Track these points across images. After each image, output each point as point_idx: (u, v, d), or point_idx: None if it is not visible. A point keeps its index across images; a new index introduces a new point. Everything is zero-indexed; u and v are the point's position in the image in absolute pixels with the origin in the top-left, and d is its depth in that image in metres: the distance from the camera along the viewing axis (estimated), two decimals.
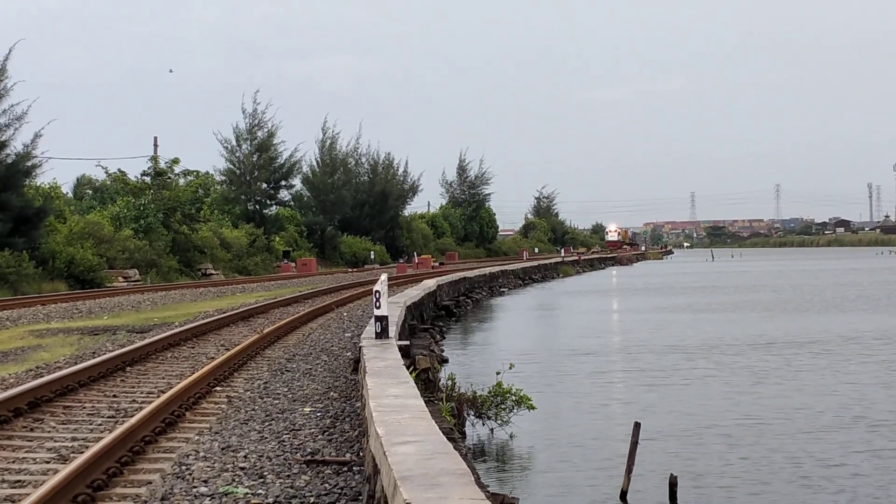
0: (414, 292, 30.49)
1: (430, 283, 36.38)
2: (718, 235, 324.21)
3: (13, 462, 9.32)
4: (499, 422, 15.26)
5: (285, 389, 13.81)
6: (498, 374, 15.79)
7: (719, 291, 57.23)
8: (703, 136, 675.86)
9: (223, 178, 73.63)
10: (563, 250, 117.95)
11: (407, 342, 16.61)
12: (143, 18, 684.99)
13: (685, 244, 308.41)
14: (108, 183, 63.37)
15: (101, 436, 10.13)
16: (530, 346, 28.64)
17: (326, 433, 10.70)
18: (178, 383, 13.19)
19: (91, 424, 11.08)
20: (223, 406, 12.43)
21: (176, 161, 59.40)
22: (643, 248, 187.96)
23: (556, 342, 30.32)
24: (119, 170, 58.83)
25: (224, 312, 25.86)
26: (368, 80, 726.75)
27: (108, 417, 11.48)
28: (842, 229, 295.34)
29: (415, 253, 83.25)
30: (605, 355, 26.25)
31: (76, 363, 15.69)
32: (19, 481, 8.57)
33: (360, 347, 13.62)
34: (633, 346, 28.09)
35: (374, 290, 14.08)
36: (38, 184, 49.81)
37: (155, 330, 22.06)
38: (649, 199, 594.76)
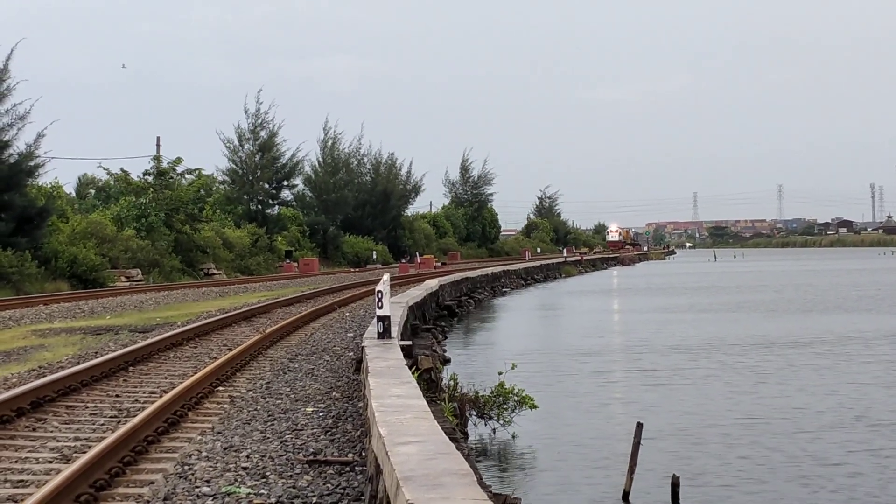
0: (416, 292, 30.49)
1: (432, 283, 36.38)
2: (721, 236, 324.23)
3: (16, 462, 9.33)
4: (501, 422, 15.26)
5: (287, 389, 13.82)
6: (500, 374, 15.78)
7: (721, 292, 57.21)
8: (705, 136, 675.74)
9: (226, 177, 73.70)
10: (565, 250, 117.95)
11: (409, 342, 16.63)
12: (145, 17, 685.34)
13: (688, 244, 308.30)
14: (112, 183, 63.41)
15: (104, 435, 10.14)
16: (532, 346, 28.64)
17: (329, 433, 10.71)
18: (181, 383, 13.20)
19: (94, 424, 11.09)
20: (226, 406, 12.44)
21: (178, 161, 59.46)
22: (645, 249, 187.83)
23: (558, 342, 30.32)
24: (122, 169, 58.92)
25: (226, 312, 25.88)
26: (370, 79, 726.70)
27: (111, 417, 11.49)
28: (844, 230, 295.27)
29: (417, 253, 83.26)
30: (607, 355, 26.25)
31: (79, 363, 15.71)
32: (22, 481, 8.58)
33: (363, 347, 13.63)
34: (635, 346, 28.09)
35: (376, 290, 14.08)
36: (41, 184, 49.90)
37: (157, 330, 22.08)
38: (652, 200, 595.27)
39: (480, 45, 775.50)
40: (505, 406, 15.35)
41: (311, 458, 9.46)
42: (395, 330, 15.21)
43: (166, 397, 11.57)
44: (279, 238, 71.43)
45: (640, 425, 12.36)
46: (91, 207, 61.06)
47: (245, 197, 73.21)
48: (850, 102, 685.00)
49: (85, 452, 9.12)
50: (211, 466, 9.10)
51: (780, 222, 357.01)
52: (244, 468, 9.07)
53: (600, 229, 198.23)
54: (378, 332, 14.15)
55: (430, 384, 15.00)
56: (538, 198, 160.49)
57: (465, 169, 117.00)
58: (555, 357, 25.81)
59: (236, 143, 73.73)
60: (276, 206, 76.71)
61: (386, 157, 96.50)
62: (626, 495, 11.79)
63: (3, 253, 39.00)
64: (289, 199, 79.74)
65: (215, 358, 16.62)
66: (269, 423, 11.23)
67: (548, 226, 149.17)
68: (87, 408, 12.16)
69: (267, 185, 74.16)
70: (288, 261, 67.61)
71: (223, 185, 73.23)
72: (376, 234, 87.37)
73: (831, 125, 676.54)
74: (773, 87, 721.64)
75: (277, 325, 22.21)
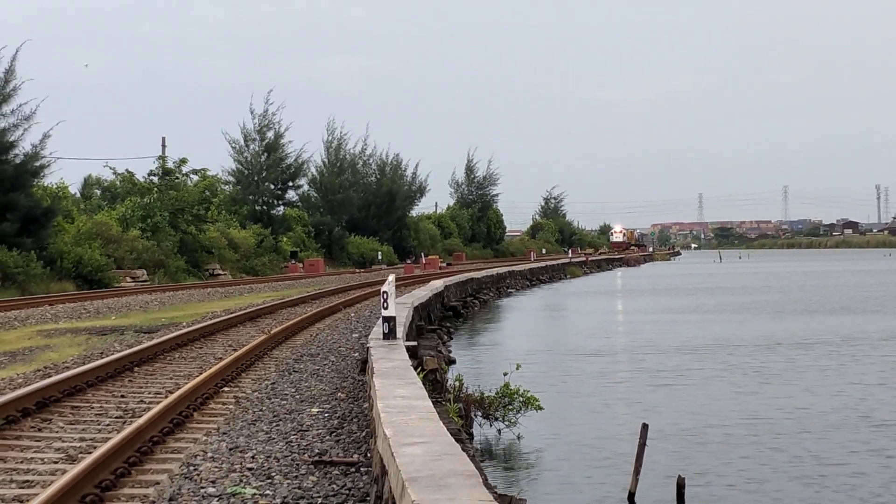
0: (421, 293, 30.49)
1: (437, 284, 36.38)
2: (726, 237, 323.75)
3: (21, 462, 9.34)
4: (506, 423, 15.24)
5: (293, 390, 13.82)
6: (505, 374, 15.78)
7: (727, 293, 57.14)
8: (710, 137, 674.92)
9: (231, 178, 73.79)
10: (570, 251, 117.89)
11: (414, 343, 16.60)
12: (149, 17, 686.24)
13: (693, 245, 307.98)
14: (118, 183, 63.51)
15: (109, 436, 10.15)
16: (538, 347, 28.62)
17: (334, 434, 10.70)
18: (186, 384, 13.20)
19: (99, 424, 11.10)
20: (231, 406, 12.44)
21: (184, 161, 59.57)
22: (650, 250, 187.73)
23: (563, 343, 30.29)
24: (127, 170, 59.05)
25: (232, 313, 25.89)
26: (373, 80, 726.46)
27: (116, 418, 11.50)
28: (850, 231, 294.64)
29: (422, 253, 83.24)
30: (612, 356, 26.23)
31: (84, 363, 15.72)
32: (28, 481, 8.58)
33: (368, 348, 13.63)
34: (640, 346, 28.06)
35: (381, 290, 14.08)
36: (47, 184, 49.96)
37: (163, 330, 22.10)
38: (657, 200, 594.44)
39: (485, 46, 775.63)
40: (510, 407, 15.33)
41: (316, 458, 9.45)
42: (401, 331, 15.20)
43: (172, 398, 11.58)
44: (284, 239, 71.49)
45: (645, 426, 12.34)
46: (96, 208, 61.15)
47: (250, 197, 73.28)
48: (856, 103, 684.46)
49: (90, 453, 9.12)
50: (216, 467, 9.10)
51: (785, 223, 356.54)
52: (249, 469, 9.07)
53: (605, 230, 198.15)
54: (383, 333, 14.15)
55: (435, 385, 14.99)
56: (544, 198, 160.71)
57: (470, 169, 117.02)
58: (560, 358, 25.79)
59: (242, 143, 73.89)
60: (282, 207, 76.80)
61: (391, 157, 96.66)
62: (631, 496, 11.77)
63: (9, 253, 39.07)
64: (294, 199, 79.86)
65: (221, 358, 16.63)
66: (274, 424, 11.23)
67: (553, 226, 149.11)
68: (92, 408, 12.17)
69: (272, 186, 74.23)
70: (293, 261, 67.67)
71: (228, 186, 73.32)
72: (381, 235, 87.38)
73: (837, 126, 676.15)
74: (779, 87, 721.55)
75: (283, 325, 22.22)
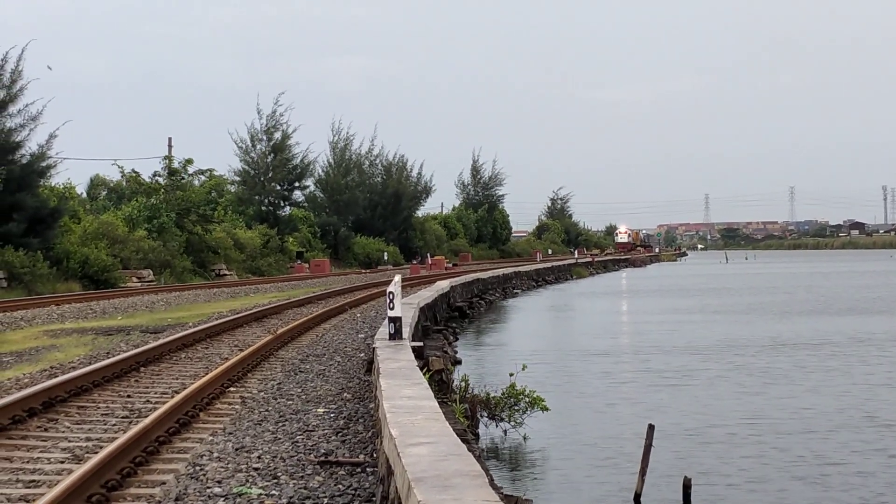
0: (427, 293, 30.49)
1: (443, 285, 36.37)
2: (732, 237, 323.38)
3: (28, 462, 9.35)
4: (512, 423, 15.24)
5: (299, 390, 13.82)
6: (511, 375, 15.77)
7: (733, 293, 57.09)
8: (716, 138, 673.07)
9: (237, 178, 73.82)
10: (576, 252, 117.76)
11: (420, 343, 16.63)
12: (155, 18, 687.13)
13: (699, 246, 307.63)
14: (124, 183, 63.58)
15: (116, 436, 10.16)
16: (544, 347, 28.62)
17: (340, 434, 10.70)
18: (192, 384, 13.21)
19: (105, 424, 11.11)
20: (237, 407, 12.45)
21: (190, 161, 59.60)
22: (657, 250, 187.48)
23: (569, 343, 30.28)
24: (133, 170, 59.07)
25: (238, 313, 25.91)
26: (377, 80, 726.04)
27: (122, 418, 11.51)
28: (856, 231, 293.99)
29: (428, 254, 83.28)
30: (618, 356, 26.21)
31: (90, 363, 15.74)
32: (34, 481, 8.59)
33: (374, 348, 13.63)
34: (646, 347, 28.04)
35: (387, 291, 14.08)
36: (53, 184, 50.02)
37: (169, 330, 22.12)
38: (663, 201, 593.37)
39: (490, 46, 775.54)
40: (516, 407, 15.33)
41: (322, 458, 9.45)
42: (407, 331, 15.20)
43: (178, 398, 11.58)
44: (290, 239, 71.50)
45: (651, 427, 12.33)
46: (102, 208, 61.23)
47: (256, 198, 73.33)
48: (862, 104, 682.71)
49: (97, 453, 9.13)
50: (222, 467, 9.10)
51: (791, 224, 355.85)
52: (255, 469, 9.08)
53: (612, 230, 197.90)
54: (389, 333, 14.15)
55: (441, 385, 15.00)
56: (550, 199, 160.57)
57: (475, 170, 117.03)
58: (566, 358, 25.78)
59: (248, 143, 73.94)
60: (288, 207, 76.83)
61: (397, 158, 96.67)
62: (637, 497, 11.76)
63: (16, 253, 39.13)
64: (300, 199, 79.90)
65: (227, 359, 16.64)
66: (280, 424, 11.23)
67: (559, 227, 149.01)
68: (98, 408, 12.19)
69: (279, 186, 74.29)
70: (299, 262, 67.69)
71: (234, 186, 73.37)
72: (387, 236, 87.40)
73: (843, 126, 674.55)
74: (785, 87, 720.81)
75: (289, 325, 22.22)
